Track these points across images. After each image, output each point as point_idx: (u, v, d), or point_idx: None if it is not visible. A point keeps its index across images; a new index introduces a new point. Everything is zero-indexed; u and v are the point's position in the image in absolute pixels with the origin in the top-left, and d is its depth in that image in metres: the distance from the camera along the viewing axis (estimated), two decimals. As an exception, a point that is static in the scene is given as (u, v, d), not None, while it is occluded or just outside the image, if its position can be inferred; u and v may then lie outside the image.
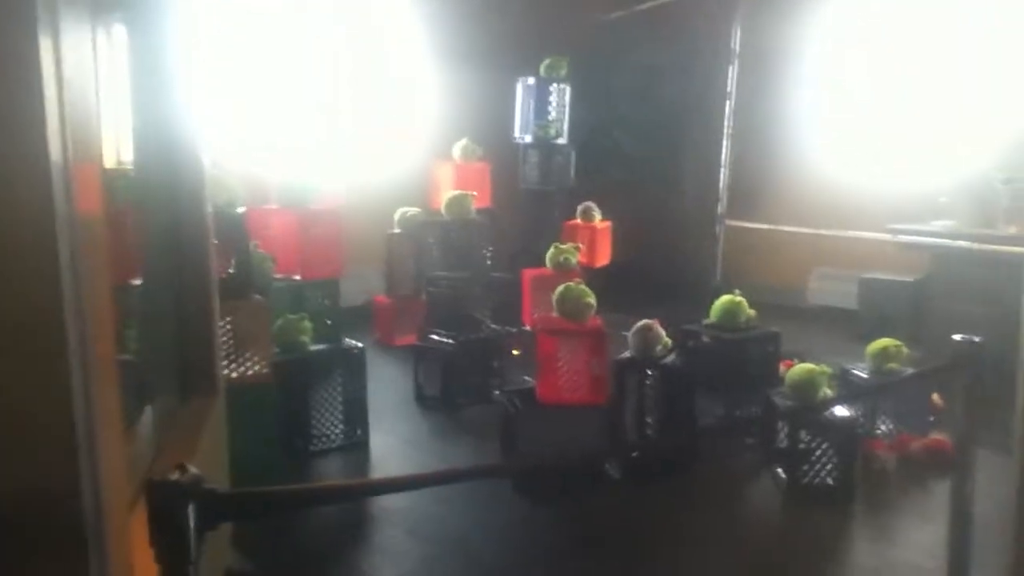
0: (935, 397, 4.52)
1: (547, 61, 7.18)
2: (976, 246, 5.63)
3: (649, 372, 4.07)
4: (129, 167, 2.46)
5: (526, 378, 4.56)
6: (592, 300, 4.18)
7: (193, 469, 1.34)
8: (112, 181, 2.13)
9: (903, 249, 6.22)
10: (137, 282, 2.45)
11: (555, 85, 7.25)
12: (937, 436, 4.22)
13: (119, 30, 2.39)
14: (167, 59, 2.71)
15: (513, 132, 7.33)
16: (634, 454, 4.09)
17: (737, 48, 7.31)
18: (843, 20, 7.45)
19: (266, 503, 1.58)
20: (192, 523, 1.31)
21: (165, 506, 1.29)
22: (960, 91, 6.74)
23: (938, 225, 6.05)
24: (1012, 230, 5.54)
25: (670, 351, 4.16)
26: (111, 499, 1.37)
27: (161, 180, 2.74)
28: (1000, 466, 2.64)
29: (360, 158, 7.54)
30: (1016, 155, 5.83)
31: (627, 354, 4.13)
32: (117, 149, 2.31)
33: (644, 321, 4.17)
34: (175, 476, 1.32)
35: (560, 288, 4.24)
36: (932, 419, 4.39)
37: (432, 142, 7.37)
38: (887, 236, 6.25)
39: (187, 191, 2.85)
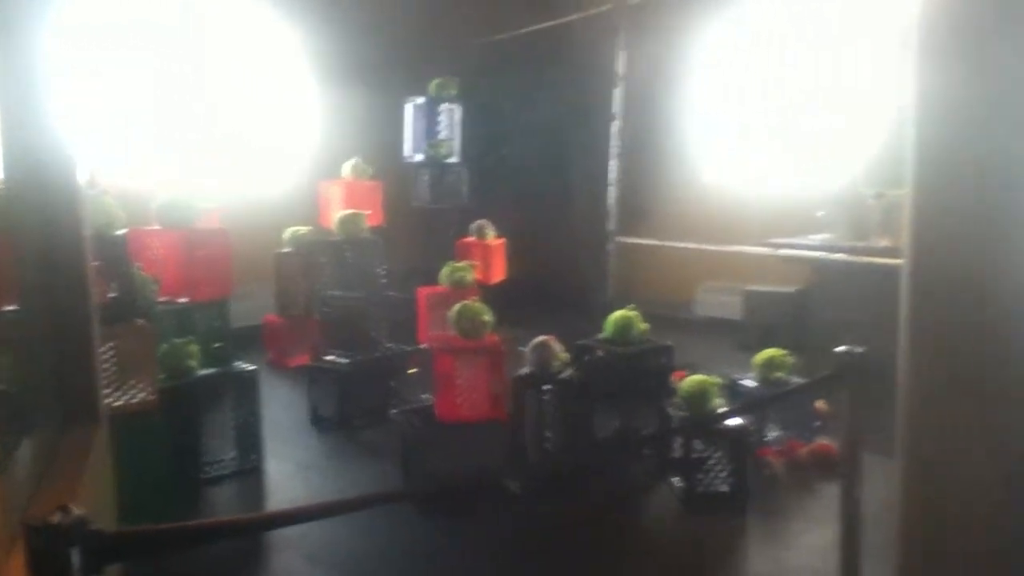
0: (820, 404, 4.70)
1: (436, 81, 7.18)
2: (852, 258, 5.90)
3: (547, 388, 4.09)
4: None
5: (424, 396, 4.51)
6: (489, 317, 4.18)
7: (76, 510, 1.25)
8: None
9: (784, 262, 6.46)
10: (10, 308, 2.31)
11: (445, 105, 7.27)
12: (823, 441, 4.38)
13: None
14: (36, 75, 2.58)
15: (403, 151, 7.29)
16: (534, 470, 4.09)
17: (621, 70, 7.48)
18: (723, 43, 7.74)
19: (156, 542, 1.49)
20: (76, 567, 1.22)
21: (46, 551, 1.20)
22: (831, 111, 7.09)
23: (816, 239, 6.32)
24: (885, 242, 5.83)
25: (567, 366, 4.19)
26: (-16, 544, 1.27)
27: (34, 201, 2.60)
28: (884, 469, 2.73)
29: (244, 177, 7.37)
30: (883, 170, 6.13)
31: (525, 370, 4.14)
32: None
33: (540, 337, 4.20)
34: (56, 518, 1.23)
35: (457, 306, 4.22)
36: (818, 425, 4.56)
37: (319, 161, 7.29)
38: (769, 250, 6.48)
39: (62, 212, 2.71)
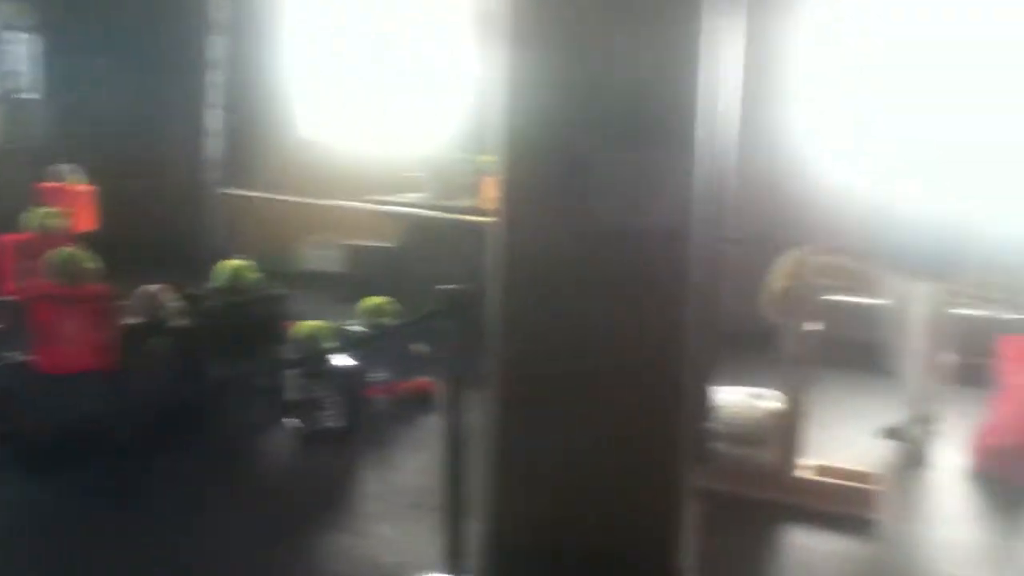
0: (418, 346, 5.17)
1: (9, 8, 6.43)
2: (442, 215, 6.48)
3: (158, 337, 4.04)
4: None
5: (12, 353, 4.17)
6: (94, 265, 4.01)
7: None
8: None
9: (383, 218, 6.88)
10: None
11: (17, 34, 6.53)
12: (422, 379, 4.85)
13: None
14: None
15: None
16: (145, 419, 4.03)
17: (221, 18, 7.30)
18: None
19: None
20: None
21: None
22: (425, 75, 7.63)
23: (411, 196, 6.81)
24: (469, 202, 6.49)
25: (178, 315, 4.17)
26: None
27: None
28: (479, 400, 3.01)
29: None
30: (471, 135, 6.75)
31: (134, 320, 4.04)
32: None
33: (148, 286, 4.12)
34: None
35: (55, 253, 3.97)
36: (417, 365, 5.01)
37: None
38: (369, 206, 6.84)
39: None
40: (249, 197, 7.53)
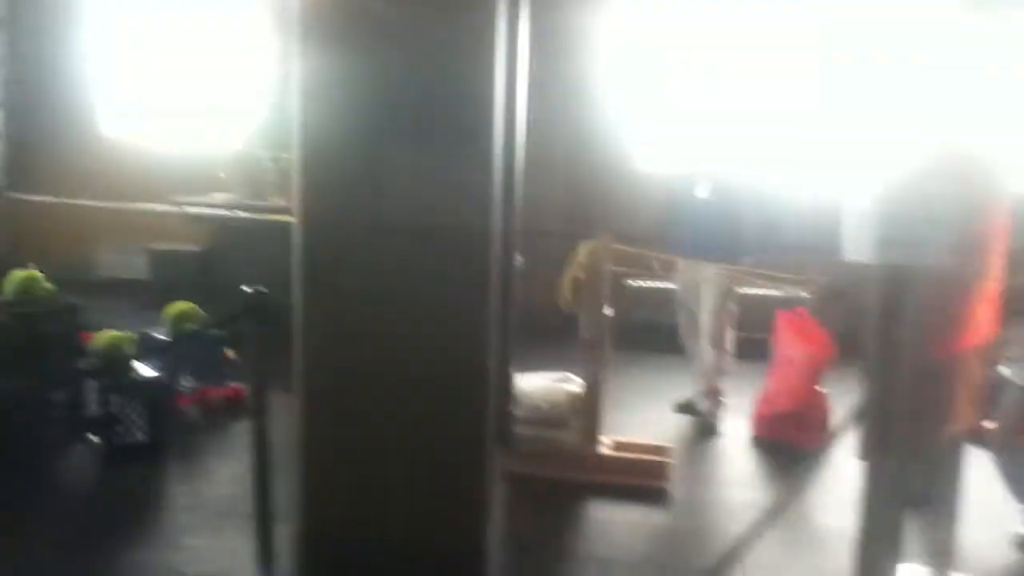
0: (229, 352, 5.07)
1: None
2: (252, 216, 6.35)
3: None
4: None
5: None
6: None
7: None
8: None
9: (189, 220, 6.65)
10: None
11: None
12: (234, 385, 4.77)
13: None
14: None
15: None
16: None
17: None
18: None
19: None
20: None
21: None
22: (229, 73, 7.43)
23: (219, 197, 6.63)
24: (280, 201, 6.39)
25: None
26: None
27: None
28: (287, 403, 3.02)
29: None
30: (275, 134, 6.61)
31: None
32: None
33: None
34: None
35: None
36: (228, 371, 4.92)
37: None
38: (174, 208, 6.59)
39: None
40: (39, 201, 7.07)
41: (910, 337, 2.64)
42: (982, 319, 2.94)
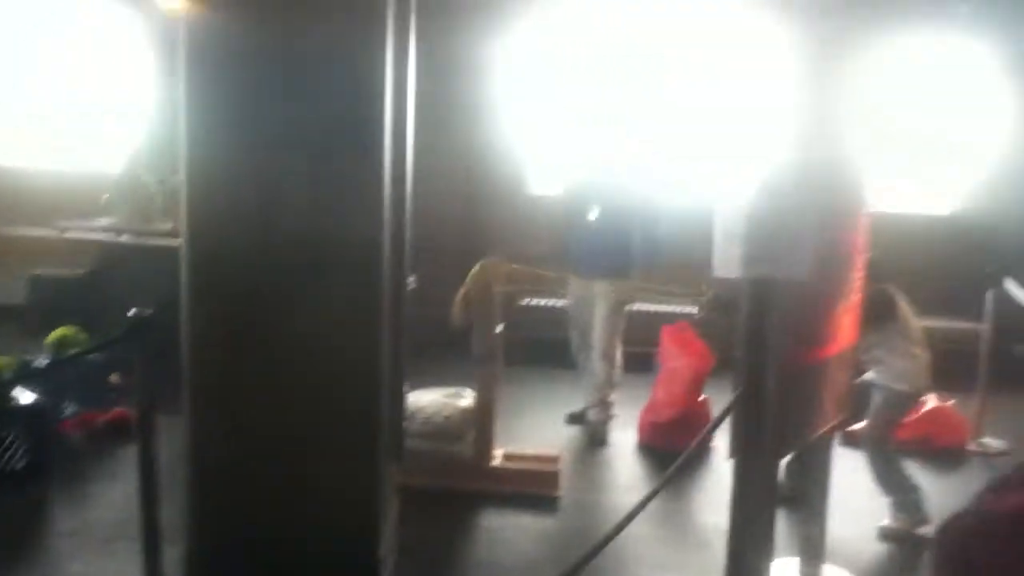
0: (113, 376, 4.94)
1: None
2: (137, 240, 6.21)
3: None
4: None
5: None
6: None
7: None
8: None
9: (72, 245, 6.44)
10: None
11: None
12: (118, 409, 4.65)
13: None
14: None
15: None
16: None
17: None
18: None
19: None
20: None
21: None
22: (116, 96, 7.26)
23: (103, 222, 6.44)
24: (169, 225, 6.26)
25: None
26: None
27: None
28: (175, 425, 3.00)
29: None
30: (159, 157, 6.45)
31: None
32: None
33: None
34: None
35: None
36: (113, 395, 4.80)
37: None
38: (55, 232, 6.39)
39: None
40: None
41: (777, 345, 2.81)
42: (843, 327, 3.18)
